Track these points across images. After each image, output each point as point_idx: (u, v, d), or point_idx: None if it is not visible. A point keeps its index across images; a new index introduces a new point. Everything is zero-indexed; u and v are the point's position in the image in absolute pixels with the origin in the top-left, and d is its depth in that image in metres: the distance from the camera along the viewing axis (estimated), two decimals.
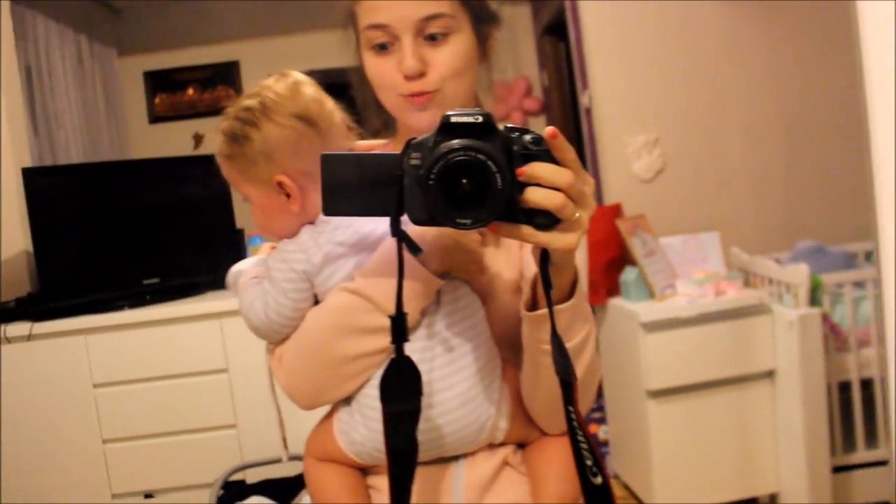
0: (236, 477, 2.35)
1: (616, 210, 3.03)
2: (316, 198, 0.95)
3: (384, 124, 1.15)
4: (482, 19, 1.08)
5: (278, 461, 2.10)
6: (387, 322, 0.90)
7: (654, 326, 2.57)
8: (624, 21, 3.17)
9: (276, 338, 1.03)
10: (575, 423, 0.85)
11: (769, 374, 2.62)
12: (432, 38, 1.02)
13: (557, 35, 4.15)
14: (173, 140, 4.36)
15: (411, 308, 0.91)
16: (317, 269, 0.98)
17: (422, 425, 0.89)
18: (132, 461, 2.59)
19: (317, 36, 3.42)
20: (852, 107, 3.17)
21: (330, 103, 1.03)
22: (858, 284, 2.63)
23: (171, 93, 4.58)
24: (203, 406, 2.60)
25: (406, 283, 0.88)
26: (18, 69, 2.97)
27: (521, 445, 1.05)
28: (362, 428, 0.98)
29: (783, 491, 2.65)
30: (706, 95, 3.20)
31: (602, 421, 3.17)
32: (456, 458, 1.01)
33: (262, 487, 2.32)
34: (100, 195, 2.85)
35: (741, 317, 2.60)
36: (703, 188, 3.19)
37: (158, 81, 4.58)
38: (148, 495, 2.58)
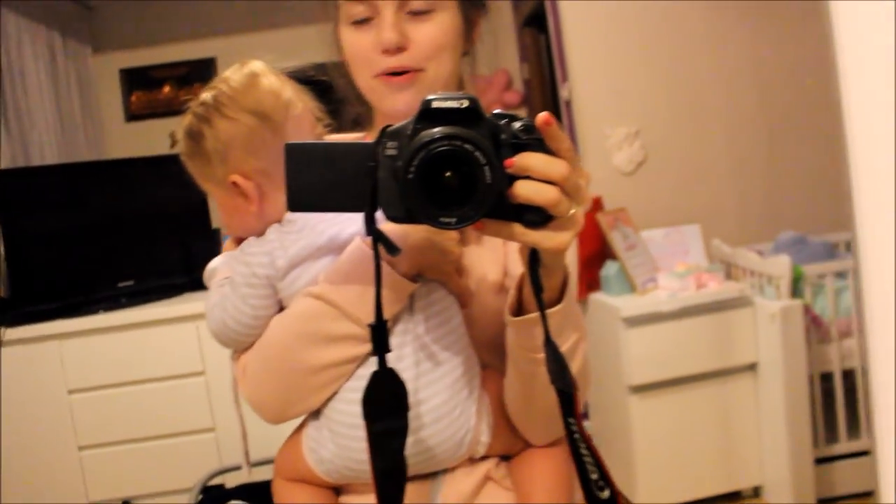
0: (215, 481, 2.31)
1: (596, 203, 3.01)
2: (277, 198, 0.91)
3: (363, 117, 1.08)
4: (470, 1, 1.02)
5: (257, 464, 2.07)
6: (354, 329, 0.85)
7: (635, 321, 2.55)
8: (604, 12, 3.14)
9: (235, 346, 0.97)
10: (577, 436, 0.79)
11: (751, 367, 2.61)
12: (415, 14, 0.95)
13: (538, 27, 4.12)
14: (150, 139, 4.28)
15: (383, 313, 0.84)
16: (281, 274, 0.92)
17: None
18: (109, 468, 2.56)
19: (296, 31, 3.37)
20: (831, 98, 3.17)
21: (288, 93, 0.96)
22: (840, 275, 2.62)
23: (147, 91, 4.51)
24: (181, 410, 2.57)
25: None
26: None
27: (506, 457, 0.98)
28: (331, 444, 0.91)
29: (766, 483, 2.65)
30: (687, 87, 3.17)
31: (584, 416, 3.16)
32: (434, 474, 0.94)
33: (242, 491, 2.28)
34: (74, 196, 2.81)
35: (723, 310, 2.58)
36: (684, 180, 3.17)
37: (134, 79, 4.50)
38: (125, 502, 2.54)
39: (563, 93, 3.43)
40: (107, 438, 2.56)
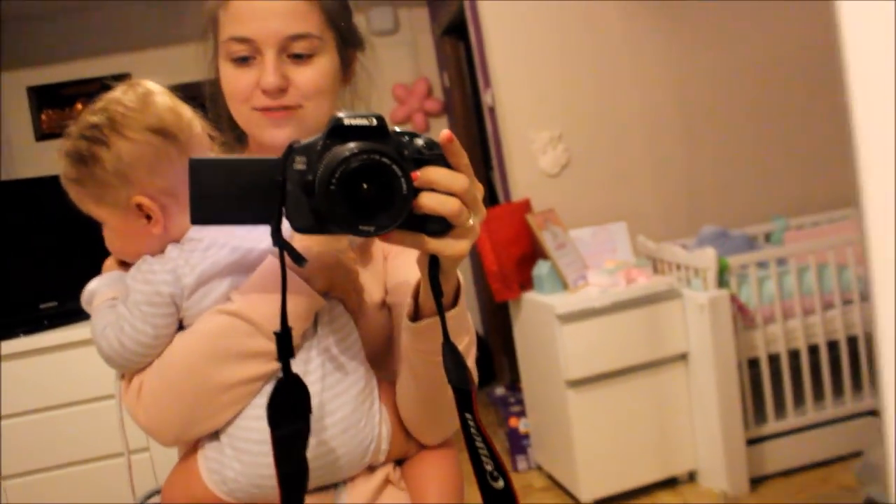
0: (153, 501, 2.24)
1: (525, 205, 3.06)
2: (180, 218, 0.91)
3: (237, 139, 1.10)
4: (348, 42, 1.06)
5: None
6: (268, 345, 0.85)
7: (569, 317, 2.60)
8: (524, 19, 3.20)
9: (130, 367, 0.94)
10: (473, 431, 0.83)
11: (682, 357, 2.69)
12: (297, 57, 0.98)
13: (457, 35, 4.17)
14: None
15: (295, 329, 0.86)
16: (187, 292, 0.91)
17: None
18: (36, 497, 2.44)
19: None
20: (744, 97, 3.29)
21: (188, 112, 0.96)
22: (761, 265, 2.73)
23: (59, 108, 4.36)
24: (112, 431, 2.47)
25: (290, 303, 0.83)
26: None
27: (400, 461, 1.03)
28: (236, 463, 0.90)
29: (701, 467, 2.73)
30: (607, 90, 3.26)
31: (522, 414, 3.18)
32: (335, 483, 0.96)
33: None
34: None
35: (653, 303, 2.66)
36: (608, 180, 3.25)
37: (44, 97, 4.35)
38: None
39: (487, 99, 3.48)
40: (32, 466, 2.44)
